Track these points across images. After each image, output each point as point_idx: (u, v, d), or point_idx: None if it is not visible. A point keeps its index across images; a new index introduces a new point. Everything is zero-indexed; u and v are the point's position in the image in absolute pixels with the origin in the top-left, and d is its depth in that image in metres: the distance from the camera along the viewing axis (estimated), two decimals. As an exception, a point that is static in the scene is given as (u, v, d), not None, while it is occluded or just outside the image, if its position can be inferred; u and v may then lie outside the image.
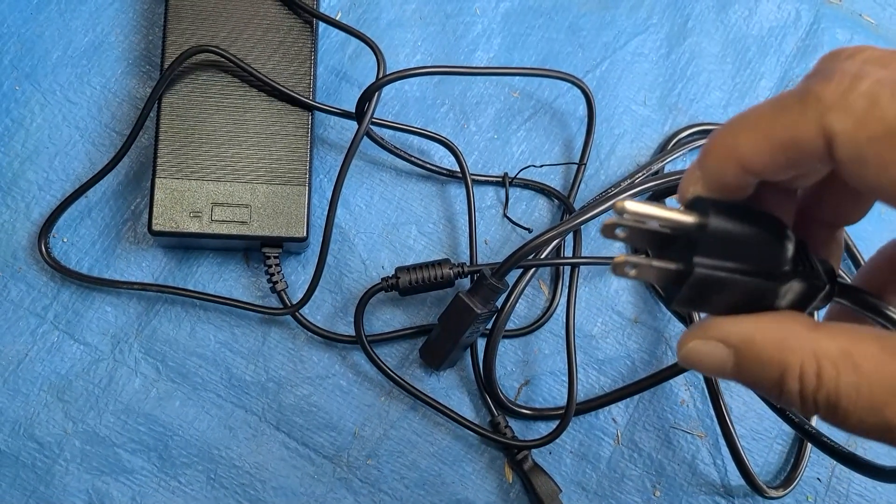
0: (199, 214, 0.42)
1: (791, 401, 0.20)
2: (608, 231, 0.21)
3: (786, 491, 0.45)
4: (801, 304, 0.21)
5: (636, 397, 0.47)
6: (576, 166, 0.49)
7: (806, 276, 0.21)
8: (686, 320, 0.45)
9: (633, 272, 0.20)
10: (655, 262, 0.20)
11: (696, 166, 0.22)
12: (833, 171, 0.20)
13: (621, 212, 0.20)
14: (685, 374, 0.47)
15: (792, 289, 0.21)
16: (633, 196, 0.20)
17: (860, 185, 0.19)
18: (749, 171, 0.21)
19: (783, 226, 0.21)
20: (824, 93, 0.19)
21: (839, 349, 0.19)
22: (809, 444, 0.47)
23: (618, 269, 0.20)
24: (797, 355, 0.19)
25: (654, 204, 0.21)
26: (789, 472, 0.47)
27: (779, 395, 0.20)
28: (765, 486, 0.45)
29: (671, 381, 0.47)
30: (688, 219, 0.20)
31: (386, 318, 0.46)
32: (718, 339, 0.21)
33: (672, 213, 0.20)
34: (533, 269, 0.45)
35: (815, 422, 0.46)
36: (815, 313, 0.23)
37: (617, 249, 0.49)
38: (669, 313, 0.48)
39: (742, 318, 0.21)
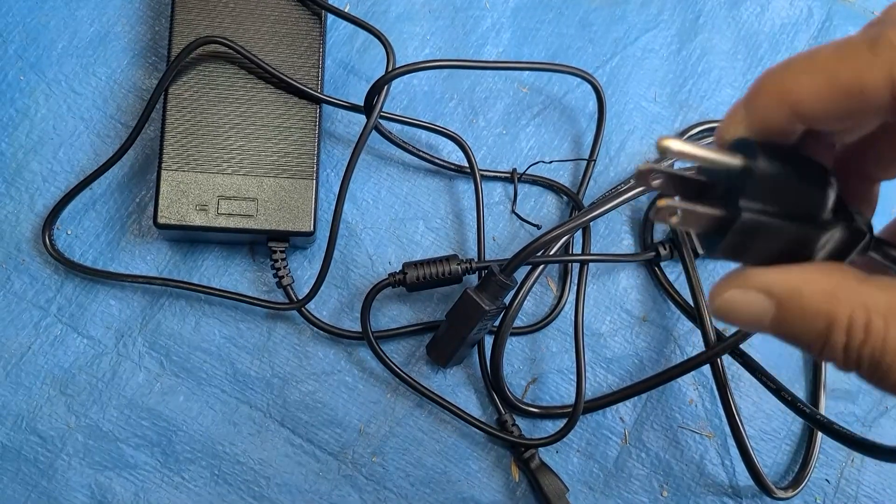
0: (205, 207, 0.42)
1: (834, 355, 0.19)
2: (643, 178, 0.20)
3: (794, 492, 0.45)
4: (840, 254, 0.20)
5: (644, 396, 0.46)
6: (585, 162, 0.48)
7: (847, 225, 0.20)
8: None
9: (674, 219, 0.19)
10: (700, 208, 0.19)
11: (741, 106, 0.21)
12: (884, 123, 0.19)
13: (664, 151, 0.19)
14: (694, 373, 0.47)
15: (833, 238, 0.20)
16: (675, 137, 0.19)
17: None
18: (802, 117, 0.19)
19: (826, 171, 0.20)
20: None
21: (889, 303, 0.18)
22: (818, 445, 0.46)
23: (660, 213, 0.19)
24: (846, 307, 0.19)
25: (699, 144, 0.19)
26: (798, 473, 0.46)
27: (821, 348, 0.19)
28: (773, 487, 0.44)
29: (679, 380, 0.47)
30: (734, 161, 0.19)
31: (393, 315, 0.46)
32: (760, 290, 0.20)
33: (718, 154, 0.19)
34: (542, 266, 0.44)
35: (825, 410, 0.46)
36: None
37: (626, 246, 0.48)
38: (678, 312, 0.47)
39: (786, 269, 0.20)
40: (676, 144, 0.19)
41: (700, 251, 0.45)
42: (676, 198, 0.19)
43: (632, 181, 0.41)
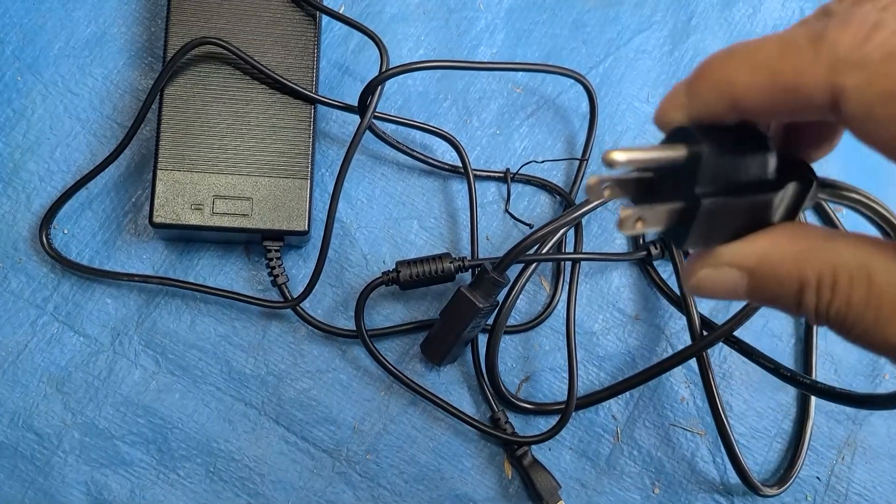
0: (201, 207, 0.42)
1: (807, 314, 0.20)
2: (594, 191, 0.20)
3: (781, 489, 0.45)
4: (795, 208, 0.21)
5: (636, 395, 0.47)
6: (578, 162, 0.49)
7: (794, 179, 0.21)
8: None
9: (639, 224, 0.19)
10: (660, 207, 0.19)
11: (682, 90, 0.21)
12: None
13: (611, 164, 0.19)
14: (686, 371, 0.47)
15: (785, 195, 0.20)
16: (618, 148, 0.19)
17: (868, 142, 0.18)
18: (741, 110, 0.19)
19: (761, 133, 0.21)
20: (839, 41, 0.17)
21: (856, 260, 0.18)
22: (806, 443, 0.47)
23: (625, 224, 0.19)
24: (814, 268, 0.19)
25: (640, 147, 0.20)
26: (785, 471, 0.47)
27: (796, 309, 0.20)
28: (760, 485, 0.45)
29: (671, 378, 0.47)
30: (679, 153, 0.20)
31: (386, 313, 0.46)
32: (731, 265, 0.20)
33: (662, 151, 0.20)
34: (534, 264, 0.45)
35: (816, 408, 0.47)
36: (804, 215, 0.22)
37: (619, 246, 0.49)
38: (670, 311, 0.48)
39: (752, 239, 0.20)
40: (621, 155, 0.19)
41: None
42: (633, 206, 0.19)
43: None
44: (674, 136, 0.20)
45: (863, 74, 0.17)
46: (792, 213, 0.21)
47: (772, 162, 0.20)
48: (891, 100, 0.17)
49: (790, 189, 0.20)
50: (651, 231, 0.20)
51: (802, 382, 0.43)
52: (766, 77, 0.18)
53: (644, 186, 0.20)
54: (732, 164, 0.20)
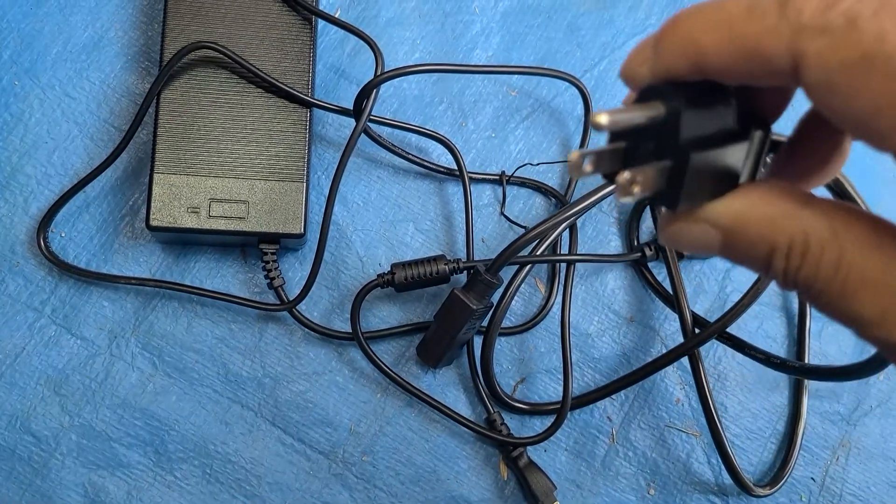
0: (197, 210, 0.42)
1: (776, 277, 0.19)
2: (576, 167, 0.19)
3: (773, 489, 0.45)
4: (759, 156, 0.21)
5: (631, 396, 0.47)
6: (573, 165, 0.49)
7: (755, 124, 0.21)
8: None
9: (636, 188, 0.19)
10: (649, 168, 0.19)
11: (648, 45, 0.20)
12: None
13: (599, 126, 0.18)
14: (680, 372, 0.47)
15: (753, 143, 0.20)
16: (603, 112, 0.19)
17: (826, 112, 0.18)
18: (704, 71, 0.19)
19: (721, 84, 0.20)
20: (804, 6, 0.17)
21: (829, 228, 0.18)
22: (798, 444, 0.47)
23: (623, 190, 0.19)
24: (786, 234, 0.19)
25: (623, 109, 0.19)
26: (777, 471, 0.47)
27: (766, 271, 0.20)
28: (752, 485, 0.45)
29: (666, 379, 0.47)
30: (657, 111, 0.19)
31: (382, 315, 0.46)
32: (706, 221, 0.20)
33: (645, 110, 0.19)
34: (528, 266, 0.45)
35: (809, 409, 0.47)
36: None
37: (613, 248, 0.49)
38: (665, 313, 0.48)
39: (730, 198, 0.20)
40: (606, 118, 0.18)
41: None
42: (627, 170, 0.19)
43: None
44: (645, 95, 0.20)
45: (825, 41, 0.16)
46: (757, 162, 0.21)
47: (735, 108, 0.20)
48: (851, 68, 0.16)
49: (756, 138, 0.20)
50: (646, 194, 0.19)
51: (792, 367, 0.43)
52: (730, 38, 0.18)
53: (622, 156, 0.20)
54: (706, 117, 0.20)
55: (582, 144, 0.49)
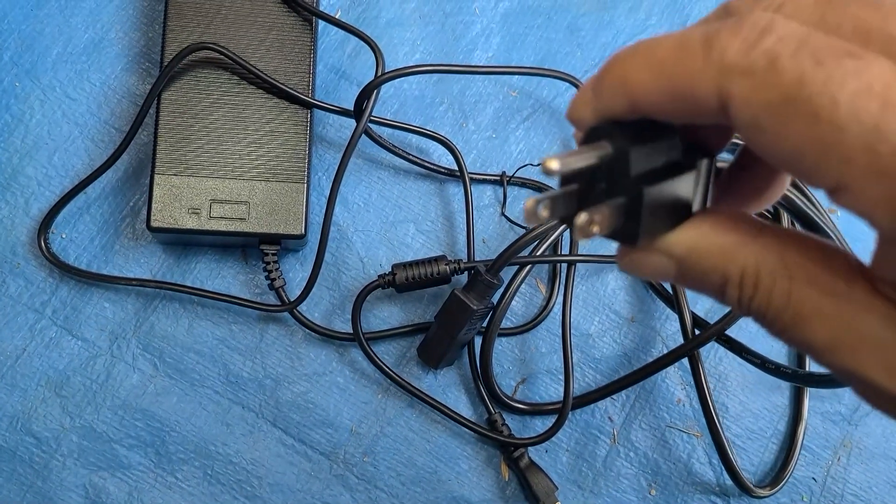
0: (198, 211, 0.42)
1: (730, 304, 0.20)
2: (532, 214, 0.19)
3: (774, 490, 0.45)
4: (708, 183, 0.21)
5: (632, 397, 0.47)
6: (574, 165, 0.49)
7: (700, 153, 0.21)
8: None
9: (595, 227, 0.19)
10: (606, 206, 0.19)
11: (589, 88, 0.20)
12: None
13: (550, 172, 0.18)
14: (682, 373, 0.47)
15: (701, 170, 0.21)
16: (550, 156, 0.19)
17: (756, 150, 0.18)
18: (641, 110, 0.19)
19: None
20: (728, 46, 0.17)
21: (779, 259, 0.18)
22: (799, 444, 0.47)
23: (582, 232, 0.19)
24: (738, 265, 0.19)
25: (571, 152, 0.19)
26: (778, 472, 0.47)
27: (721, 299, 0.20)
28: (752, 486, 0.45)
29: (667, 380, 0.47)
30: (606, 150, 0.20)
31: (383, 316, 0.46)
32: (661, 252, 0.20)
33: (592, 150, 0.20)
34: (528, 266, 0.45)
35: (810, 409, 0.47)
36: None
37: (614, 248, 0.49)
38: (666, 313, 0.48)
39: (683, 229, 0.20)
40: (556, 163, 0.18)
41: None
42: (584, 211, 0.19)
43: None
44: (591, 136, 0.20)
45: (748, 82, 0.16)
46: (706, 190, 0.21)
47: (679, 145, 0.21)
48: (774, 110, 0.16)
49: (702, 166, 0.21)
50: (603, 233, 0.20)
51: (785, 373, 0.43)
52: (661, 79, 0.18)
53: (576, 199, 0.21)
54: (652, 151, 0.20)
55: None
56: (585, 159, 0.19)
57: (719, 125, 0.21)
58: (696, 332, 0.45)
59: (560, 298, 0.47)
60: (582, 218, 0.19)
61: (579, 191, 0.20)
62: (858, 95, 0.15)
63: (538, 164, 0.49)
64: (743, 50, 0.17)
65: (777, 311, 0.18)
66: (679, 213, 0.21)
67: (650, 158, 0.20)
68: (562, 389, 0.46)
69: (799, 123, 0.16)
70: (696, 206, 0.21)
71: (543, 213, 0.19)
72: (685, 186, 0.20)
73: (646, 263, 0.21)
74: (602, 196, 0.20)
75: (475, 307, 0.42)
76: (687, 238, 0.20)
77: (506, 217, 0.48)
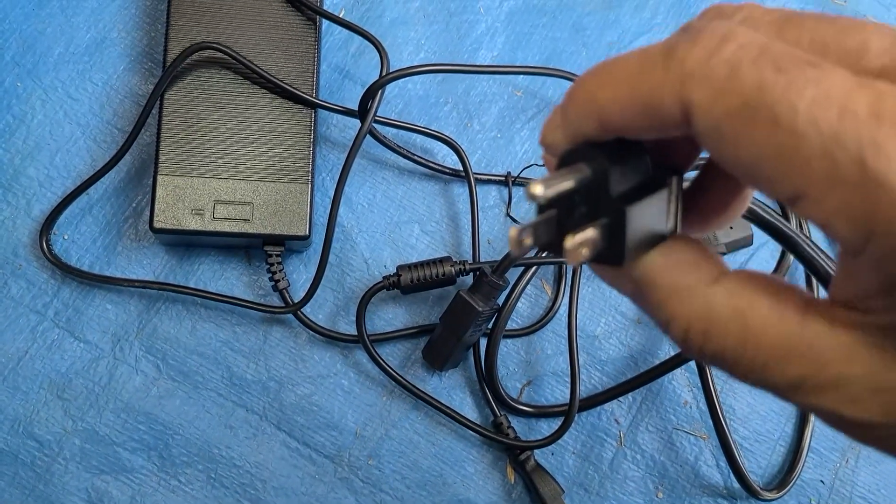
0: (201, 212, 0.42)
1: (675, 342, 0.20)
2: (517, 244, 0.19)
3: (781, 493, 0.45)
4: (678, 202, 0.21)
5: (639, 399, 0.46)
6: (579, 166, 0.49)
7: (669, 171, 0.21)
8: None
9: (585, 251, 0.19)
10: (591, 228, 0.19)
11: (559, 111, 0.20)
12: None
13: (535, 198, 0.18)
14: (689, 375, 0.47)
15: (672, 187, 0.21)
16: (535, 182, 0.19)
17: (718, 160, 0.18)
18: (609, 128, 0.19)
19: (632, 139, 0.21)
20: (688, 55, 0.17)
21: (732, 307, 0.18)
22: (806, 447, 0.46)
23: (573, 255, 0.19)
24: (685, 312, 0.19)
25: (552, 176, 0.19)
26: (785, 474, 0.46)
27: (665, 333, 0.20)
28: (759, 489, 0.45)
29: (674, 382, 0.47)
30: (585, 173, 0.20)
31: (388, 317, 0.46)
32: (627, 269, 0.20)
33: (572, 173, 0.19)
34: (534, 268, 0.45)
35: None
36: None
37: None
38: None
39: (649, 254, 0.20)
40: (541, 188, 0.18)
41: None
42: (570, 235, 0.19)
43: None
44: (566, 159, 0.20)
45: (708, 90, 0.16)
46: (677, 207, 0.21)
47: (650, 163, 0.21)
48: (734, 117, 0.16)
49: (672, 183, 0.21)
50: (593, 254, 0.19)
51: None
52: (626, 93, 0.18)
53: (555, 226, 0.21)
54: (627, 170, 0.20)
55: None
56: (567, 182, 0.19)
57: (686, 143, 0.21)
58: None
59: (566, 300, 0.47)
60: (573, 240, 0.19)
61: (558, 216, 0.20)
62: (817, 103, 0.15)
63: (542, 165, 0.49)
64: (703, 58, 0.17)
65: (734, 358, 0.18)
66: (656, 232, 0.20)
67: (626, 178, 0.20)
68: (567, 391, 0.46)
69: (759, 130, 0.16)
70: (669, 224, 0.21)
71: (527, 240, 0.19)
72: (660, 205, 0.20)
73: (608, 275, 0.21)
74: (583, 219, 0.20)
75: (481, 309, 0.42)
76: (645, 264, 0.20)
77: (511, 217, 0.48)
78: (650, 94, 0.18)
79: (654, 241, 0.20)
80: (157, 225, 0.42)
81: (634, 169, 0.20)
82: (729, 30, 0.17)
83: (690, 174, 0.22)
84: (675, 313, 0.19)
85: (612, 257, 0.20)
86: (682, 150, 0.22)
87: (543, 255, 0.44)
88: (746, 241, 0.48)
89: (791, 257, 0.48)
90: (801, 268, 0.49)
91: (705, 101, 0.16)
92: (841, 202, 0.15)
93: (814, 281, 0.48)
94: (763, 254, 0.49)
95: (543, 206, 0.21)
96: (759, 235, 0.48)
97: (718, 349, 0.18)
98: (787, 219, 0.46)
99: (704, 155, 0.22)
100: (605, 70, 0.19)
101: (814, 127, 0.15)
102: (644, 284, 0.20)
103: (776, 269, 0.49)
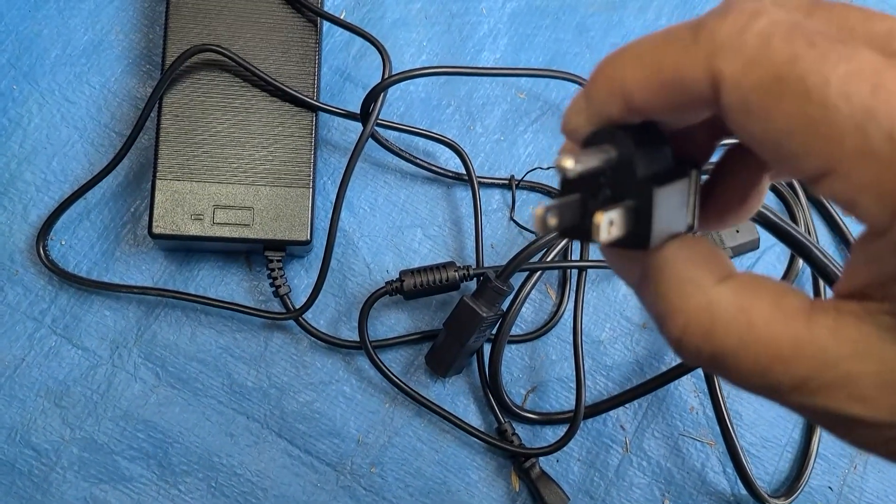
0: (201, 217, 0.41)
1: (668, 341, 0.19)
2: (542, 222, 0.19)
3: (788, 500, 0.45)
4: (697, 195, 0.21)
5: (645, 405, 0.46)
6: (583, 169, 0.48)
7: (690, 164, 0.21)
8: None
9: (614, 229, 0.19)
10: (620, 208, 0.19)
11: (582, 96, 0.20)
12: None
13: (565, 171, 0.18)
14: (695, 381, 0.46)
15: (692, 179, 0.20)
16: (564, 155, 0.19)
17: (743, 136, 0.18)
18: (634, 109, 0.19)
19: (655, 124, 0.20)
20: (718, 29, 0.17)
21: (737, 305, 0.18)
22: (814, 454, 0.46)
23: (598, 232, 0.19)
24: (687, 305, 0.19)
25: (584, 151, 0.19)
26: (793, 481, 0.46)
27: (660, 330, 0.20)
28: (767, 495, 0.44)
29: (680, 388, 0.46)
30: (611, 154, 0.19)
31: (391, 323, 0.45)
32: (636, 258, 0.20)
33: (600, 154, 0.19)
34: (539, 272, 0.44)
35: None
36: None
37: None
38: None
39: (664, 245, 0.20)
40: (571, 161, 0.18)
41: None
42: (602, 211, 0.19)
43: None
44: (592, 140, 0.20)
45: (739, 61, 0.16)
46: (696, 201, 0.21)
47: (671, 151, 0.20)
48: (765, 89, 0.16)
49: (693, 175, 0.21)
50: (619, 235, 0.19)
51: None
52: (652, 72, 0.18)
53: (579, 208, 0.20)
54: (652, 154, 0.20)
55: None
56: (595, 160, 0.19)
57: (704, 134, 0.21)
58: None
59: (570, 305, 0.46)
60: (601, 217, 0.18)
61: (582, 199, 0.20)
62: (850, 77, 0.15)
63: (548, 168, 0.48)
64: (734, 31, 0.17)
65: (735, 359, 0.18)
66: (677, 222, 0.20)
67: (651, 162, 0.20)
68: (572, 397, 0.45)
69: (789, 103, 0.16)
70: (688, 218, 0.21)
71: (552, 220, 0.19)
72: (680, 196, 0.20)
73: (616, 259, 0.21)
74: (608, 202, 0.20)
75: (485, 314, 0.41)
76: (661, 252, 0.20)
77: (515, 222, 0.47)
78: (678, 68, 0.17)
79: (671, 233, 0.20)
80: (155, 230, 0.41)
81: (658, 155, 0.20)
82: (761, 5, 0.17)
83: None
84: (677, 306, 0.19)
85: (637, 240, 0.19)
86: (700, 142, 0.22)
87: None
88: (753, 245, 0.48)
89: (800, 262, 0.47)
90: (807, 273, 0.49)
91: (736, 73, 0.16)
92: (871, 177, 0.15)
93: (822, 286, 0.48)
94: (769, 257, 0.49)
95: (565, 188, 0.20)
96: (766, 239, 0.48)
97: (718, 348, 0.18)
98: (796, 222, 0.45)
99: (718, 153, 0.22)
100: (630, 49, 0.19)
101: (846, 101, 0.15)
102: (652, 274, 0.20)
103: (785, 275, 0.48)
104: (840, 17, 0.18)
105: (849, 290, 0.17)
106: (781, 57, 0.16)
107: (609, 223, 0.19)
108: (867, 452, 0.18)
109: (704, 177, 0.22)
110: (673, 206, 0.20)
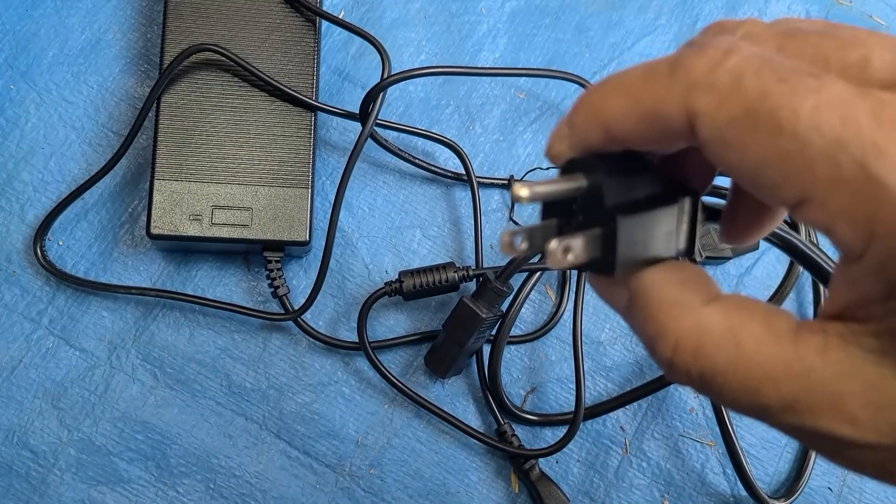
0: (199, 217, 0.41)
1: (659, 363, 0.19)
2: (508, 246, 0.20)
3: (788, 500, 0.45)
4: (693, 223, 0.21)
5: (644, 406, 0.46)
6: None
7: (683, 191, 0.21)
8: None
9: (570, 256, 0.19)
10: (580, 235, 0.19)
11: (565, 122, 0.21)
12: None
13: (519, 199, 0.19)
14: (694, 381, 0.46)
15: (684, 208, 0.21)
16: (522, 183, 0.19)
17: (722, 168, 0.18)
18: (615, 139, 0.20)
19: (641, 154, 0.21)
20: (693, 66, 0.17)
21: (726, 326, 0.18)
22: (814, 453, 0.46)
23: (554, 257, 0.19)
24: (676, 326, 0.19)
25: (543, 181, 0.20)
26: (792, 482, 0.46)
27: (651, 353, 0.20)
28: (767, 496, 0.44)
29: (680, 389, 0.46)
30: (580, 183, 0.20)
31: (390, 324, 0.45)
32: (622, 282, 0.20)
33: (565, 183, 0.20)
34: (538, 273, 0.44)
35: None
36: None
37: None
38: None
39: (647, 270, 0.20)
40: (525, 190, 0.19)
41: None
42: (558, 237, 0.19)
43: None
44: (567, 169, 0.21)
45: (713, 98, 0.17)
46: (692, 229, 0.21)
47: (657, 179, 0.21)
48: (738, 124, 0.17)
49: (685, 204, 0.21)
50: (578, 262, 0.19)
51: None
52: (632, 104, 0.19)
53: (555, 233, 0.21)
54: (629, 183, 0.20)
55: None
56: (556, 189, 0.20)
57: (700, 163, 0.21)
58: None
59: (570, 305, 0.46)
60: (554, 244, 0.19)
61: (558, 224, 0.21)
62: (819, 109, 0.16)
63: (547, 168, 0.48)
64: (708, 68, 0.17)
65: (725, 379, 0.18)
66: (659, 248, 0.20)
67: (627, 190, 0.20)
68: (572, 398, 0.45)
69: (763, 136, 0.16)
70: (681, 244, 0.21)
71: (521, 245, 0.20)
72: (667, 222, 0.20)
73: (603, 287, 0.21)
74: (580, 229, 0.20)
75: (484, 315, 0.41)
76: (645, 277, 0.20)
77: (514, 222, 0.47)
78: (656, 103, 0.18)
79: (657, 258, 0.20)
80: (153, 231, 0.41)
81: (638, 183, 0.20)
82: (733, 43, 0.17)
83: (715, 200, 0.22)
84: (667, 328, 0.19)
85: (605, 266, 0.20)
86: (697, 171, 0.22)
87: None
88: (752, 245, 0.47)
89: (800, 268, 0.47)
90: (808, 280, 0.48)
91: (710, 109, 0.17)
92: (844, 204, 0.16)
93: (821, 290, 0.47)
94: (769, 258, 0.49)
95: (545, 213, 0.21)
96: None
97: (708, 368, 0.18)
98: (797, 230, 0.45)
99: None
100: (611, 82, 0.20)
101: (816, 131, 0.16)
102: (638, 297, 0.20)
103: (786, 276, 0.48)
104: (814, 48, 0.18)
105: (833, 312, 0.17)
106: (753, 93, 0.16)
107: (564, 250, 0.19)
108: (860, 475, 0.18)
109: (717, 200, 0.22)
110: (650, 233, 0.20)
